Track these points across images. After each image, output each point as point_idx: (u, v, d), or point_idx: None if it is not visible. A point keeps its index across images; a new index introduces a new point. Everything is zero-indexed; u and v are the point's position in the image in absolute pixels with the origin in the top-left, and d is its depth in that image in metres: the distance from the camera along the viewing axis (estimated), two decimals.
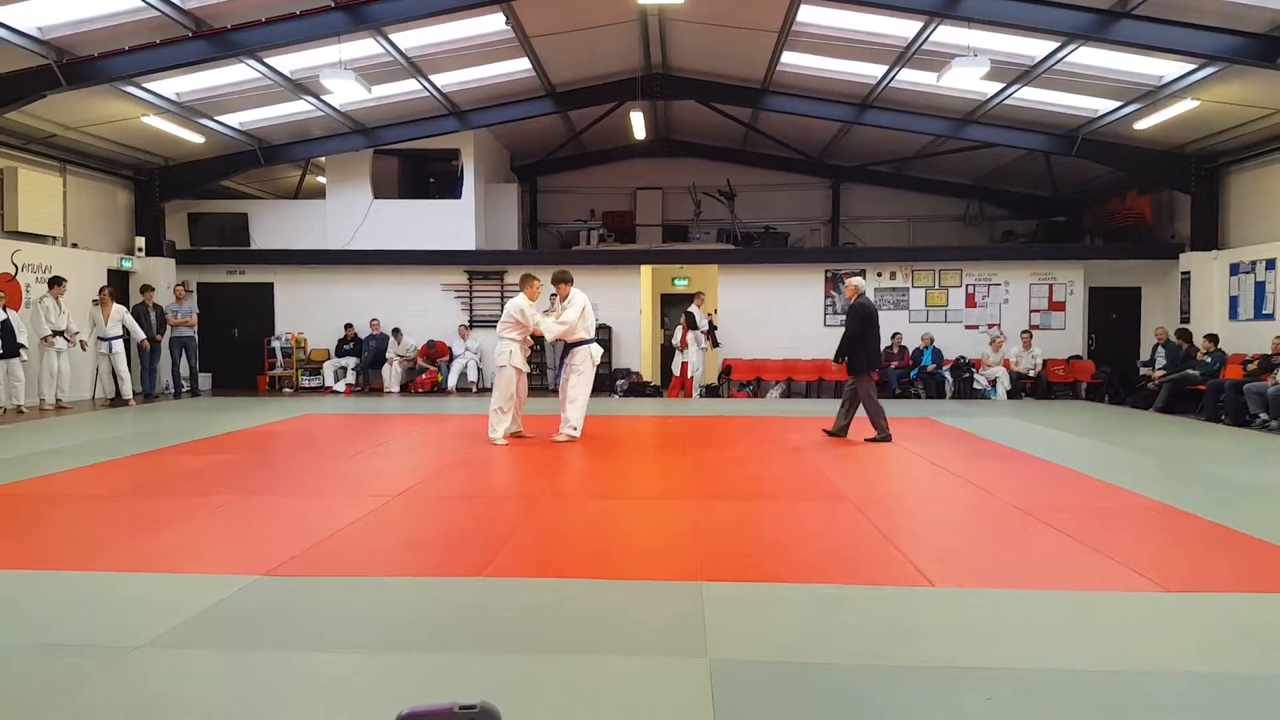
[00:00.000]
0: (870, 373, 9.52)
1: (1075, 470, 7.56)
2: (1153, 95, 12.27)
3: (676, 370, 15.38)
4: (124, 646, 3.44)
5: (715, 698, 3.01)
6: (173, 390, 15.07)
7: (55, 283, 12.64)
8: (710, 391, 15.96)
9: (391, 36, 11.77)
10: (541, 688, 3.17)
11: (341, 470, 7.76)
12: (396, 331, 16.34)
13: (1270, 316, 12.86)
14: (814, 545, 5.10)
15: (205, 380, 16.14)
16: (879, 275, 16.46)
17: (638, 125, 16.02)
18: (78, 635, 3.61)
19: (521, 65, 13.80)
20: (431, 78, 13.63)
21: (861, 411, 9.45)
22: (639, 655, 3.43)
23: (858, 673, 3.25)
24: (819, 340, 16.24)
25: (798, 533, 5.41)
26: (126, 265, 15.34)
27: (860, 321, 9.34)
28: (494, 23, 11.97)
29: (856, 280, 9.78)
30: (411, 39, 12.11)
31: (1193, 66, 11.20)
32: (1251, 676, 3.25)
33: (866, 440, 9.17)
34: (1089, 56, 11.52)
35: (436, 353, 16.35)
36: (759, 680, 3.17)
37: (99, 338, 13.23)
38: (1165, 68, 11.62)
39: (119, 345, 13.30)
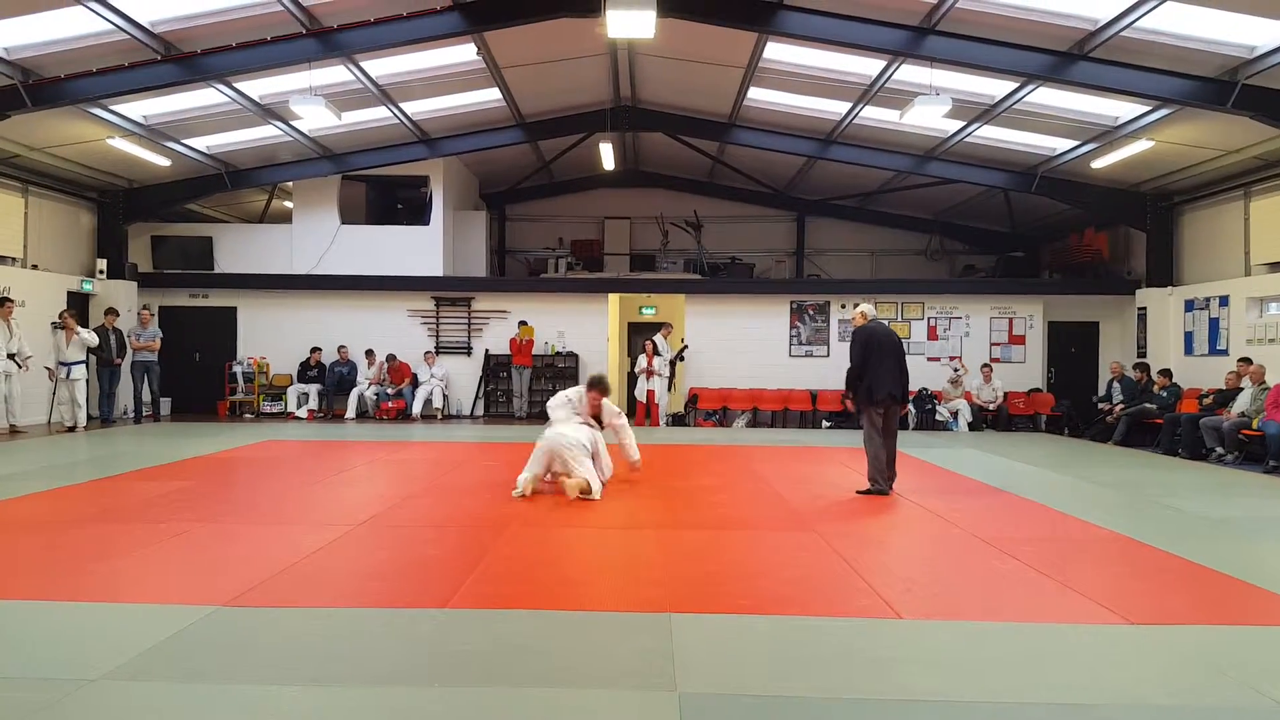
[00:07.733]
0: (871, 405, 7.91)
1: (1037, 502, 7.66)
2: (1109, 135, 12.62)
3: (642, 397, 15.38)
4: (79, 680, 3.35)
5: None
6: (133, 415, 14.78)
7: (2, 303, 12.05)
8: (677, 420, 15.98)
9: (362, 64, 11.78)
10: None
11: (304, 498, 7.65)
12: (370, 354, 16.18)
13: (1224, 352, 13.17)
14: (782, 576, 5.11)
15: (165, 405, 15.85)
16: (842, 306, 16.65)
17: (607, 156, 16.14)
18: (30, 668, 3.51)
19: (492, 95, 13.87)
20: (402, 105, 13.65)
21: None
22: (607, 689, 3.40)
23: (828, 706, 3.25)
24: (784, 370, 16.46)
25: (765, 563, 5.41)
26: (87, 287, 15.08)
27: (860, 347, 7.99)
28: (465, 53, 12.04)
29: (865, 307, 8.41)
30: (382, 67, 12.14)
31: (1147, 108, 11.54)
32: (1216, 709, 3.29)
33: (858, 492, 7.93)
34: (1047, 97, 11.84)
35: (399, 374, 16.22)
36: (729, 714, 3.16)
37: (59, 363, 12.92)
38: (1121, 109, 11.97)
39: (79, 371, 12.97)
